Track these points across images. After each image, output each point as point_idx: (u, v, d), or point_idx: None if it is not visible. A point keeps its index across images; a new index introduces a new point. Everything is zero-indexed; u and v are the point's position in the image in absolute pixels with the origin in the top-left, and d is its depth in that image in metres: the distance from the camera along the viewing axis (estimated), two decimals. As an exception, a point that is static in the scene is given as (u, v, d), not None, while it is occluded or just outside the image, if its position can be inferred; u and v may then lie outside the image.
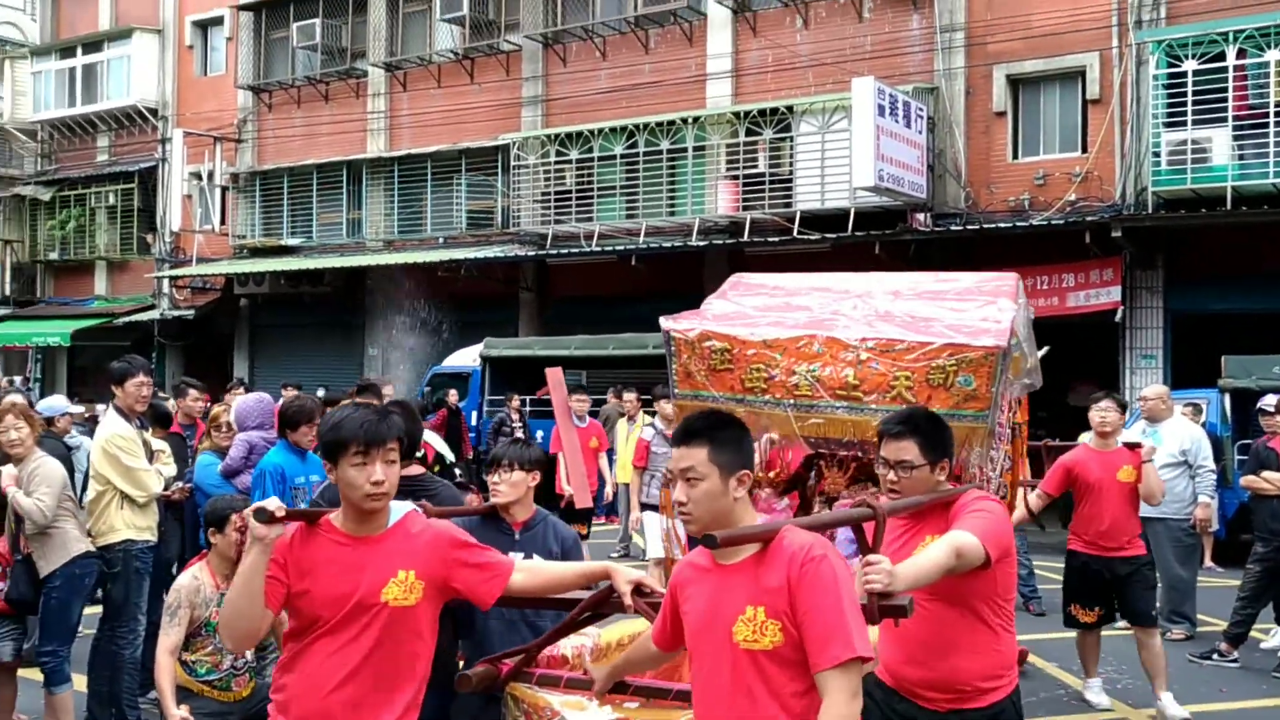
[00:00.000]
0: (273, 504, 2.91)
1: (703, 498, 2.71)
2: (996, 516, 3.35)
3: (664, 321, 4.86)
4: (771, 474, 5.10)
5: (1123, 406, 7.13)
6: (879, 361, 4.32)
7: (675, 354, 4.81)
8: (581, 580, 3.34)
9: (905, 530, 3.53)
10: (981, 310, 4.61)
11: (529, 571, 3.28)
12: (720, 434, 2.75)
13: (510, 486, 4.25)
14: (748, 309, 4.99)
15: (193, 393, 8.52)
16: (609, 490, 12.11)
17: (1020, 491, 6.47)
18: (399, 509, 3.14)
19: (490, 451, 7.21)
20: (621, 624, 4.19)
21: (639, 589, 3.16)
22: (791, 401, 4.51)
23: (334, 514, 3.11)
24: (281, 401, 6.91)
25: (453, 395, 16.14)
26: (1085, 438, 7.75)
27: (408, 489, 4.52)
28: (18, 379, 24.85)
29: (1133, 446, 6.81)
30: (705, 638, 2.72)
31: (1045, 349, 6.78)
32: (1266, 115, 13.43)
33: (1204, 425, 10.57)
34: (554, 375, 5.37)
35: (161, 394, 11.86)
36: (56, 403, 9.66)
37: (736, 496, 2.73)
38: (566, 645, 3.54)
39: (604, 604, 3.26)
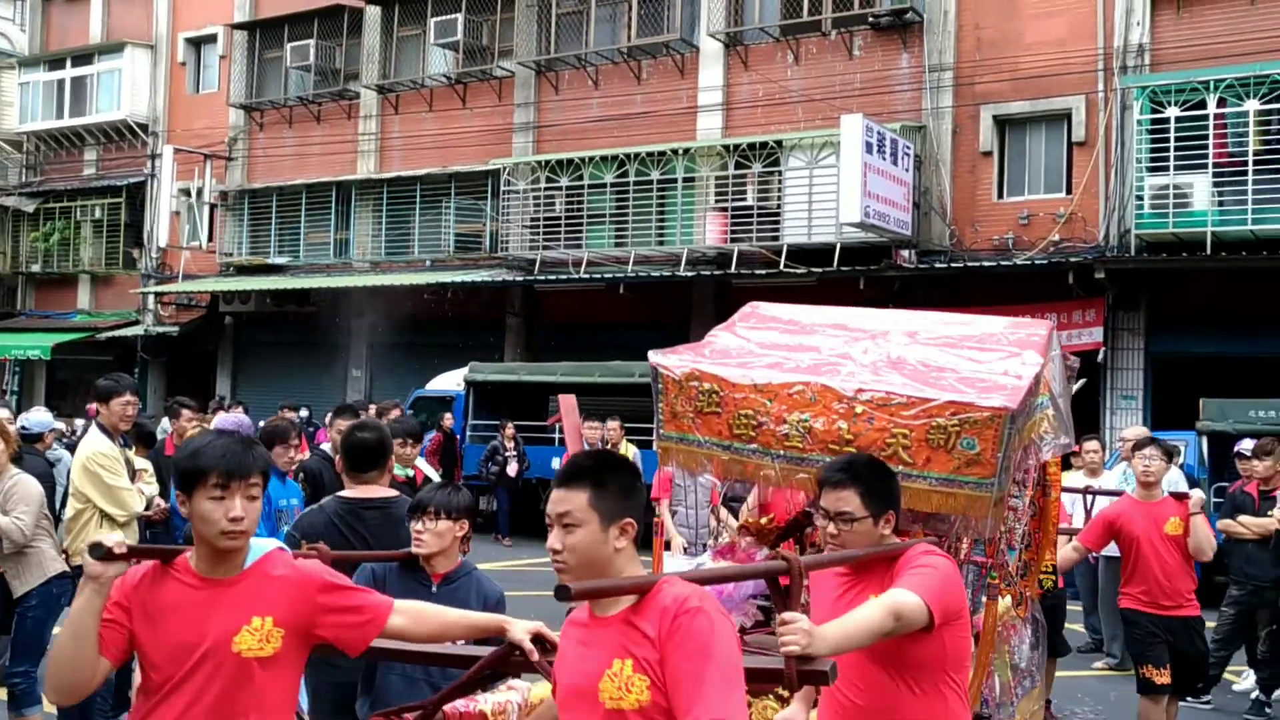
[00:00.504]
0: (111, 539, 2.66)
1: (579, 546, 2.47)
2: (943, 574, 3.10)
3: (653, 356, 4.56)
4: (764, 520, 4.83)
5: (1169, 454, 6.73)
6: (875, 416, 3.97)
7: (663, 392, 4.49)
8: (471, 631, 2.99)
9: (847, 587, 3.29)
10: (1004, 363, 4.24)
11: (411, 615, 2.93)
12: (605, 478, 2.52)
13: (434, 536, 3.90)
14: (753, 345, 4.71)
15: (186, 412, 8.45)
16: None
17: (1056, 544, 5.95)
18: (260, 548, 2.85)
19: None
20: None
21: (541, 642, 2.81)
22: (781, 453, 4.17)
23: (189, 552, 2.81)
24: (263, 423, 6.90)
25: (448, 419, 16.11)
26: (1071, 478, 7.85)
27: (378, 507, 4.52)
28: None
29: (1180, 497, 6.49)
30: (572, 697, 2.48)
31: (1082, 381, 6.47)
32: (1245, 163, 13.65)
33: (1182, 467, 10.66)
34: (566, 401, 5.20)
35: (145, 413, 11.85)
36: (41, 417, 9.51)
37: (618, 547, 2.49)
38: (488, 701, 3.14)
39: (505, 662, 2.89)
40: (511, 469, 15.31)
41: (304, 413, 17.37)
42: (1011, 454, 3.86)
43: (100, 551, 2.58)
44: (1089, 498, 7.83)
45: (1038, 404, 4.33)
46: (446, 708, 3.05)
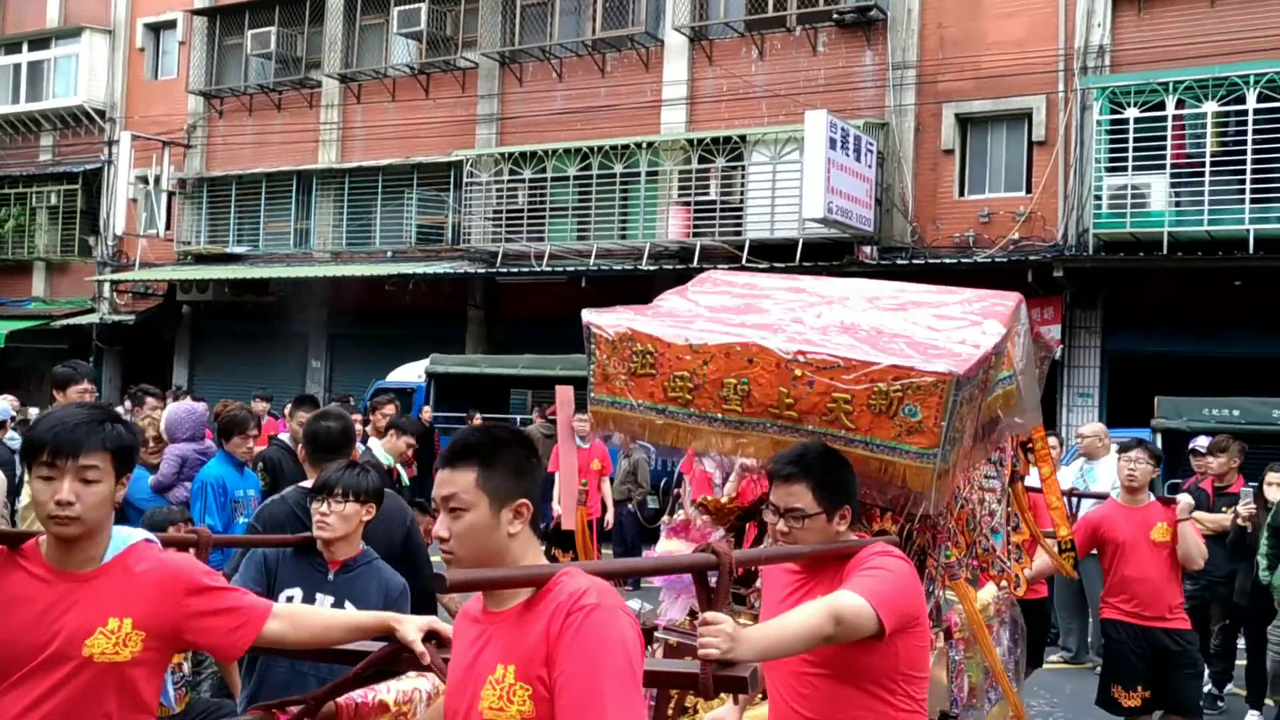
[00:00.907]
0: None
1: (467, 532, 2.18)
2: (897, 576, 2.85)
3: (586, 315, 4.27)
4: (725, 499, 4.57)
5: (1156, 459, 6.34)
6: (816, 380, 3.72)
7: (594, 353, 4.20)
8: (355, 633, 2.64)
9: (796, 587, 3.04)
10: (961, 331, 3.98)
11: (290, 620, 2.66)
12: (495, 455, 2.22)
13: (339, 519, 3.67)
14: (702, 309, 4.42)
15: (150, 400, 8.25)
16: (609, 517, 11.74)
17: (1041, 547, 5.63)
18: (124, 539, 2.58)
19: None
20: None
21: (436, 639, 2.51)
22: (718, 416, 3.91)
23: (42, 537, 2.55)
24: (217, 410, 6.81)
25: (426, 412, 15.92)
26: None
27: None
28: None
29: (1167, 502, 6.14)
30: (457, 696, 2.19)
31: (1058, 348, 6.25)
32: (1203, 164, 13.83)
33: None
34: (563, 393, 5.00)
35: (101, 401, 11.63)
36: (1, 405, 9.25)
37: (511, 532, 2.20)
38: (391, 690, 2.86)
39: (395, 660, 2.58)
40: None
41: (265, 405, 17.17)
42: (957, 424, 3.60)
43: None
44: (1073, 500, 7.46)
45: (1000, 378, 4.09)
46: (342, 699, 2.79)
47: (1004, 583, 4.89)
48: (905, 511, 3.81)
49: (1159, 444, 12.08)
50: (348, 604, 3.60)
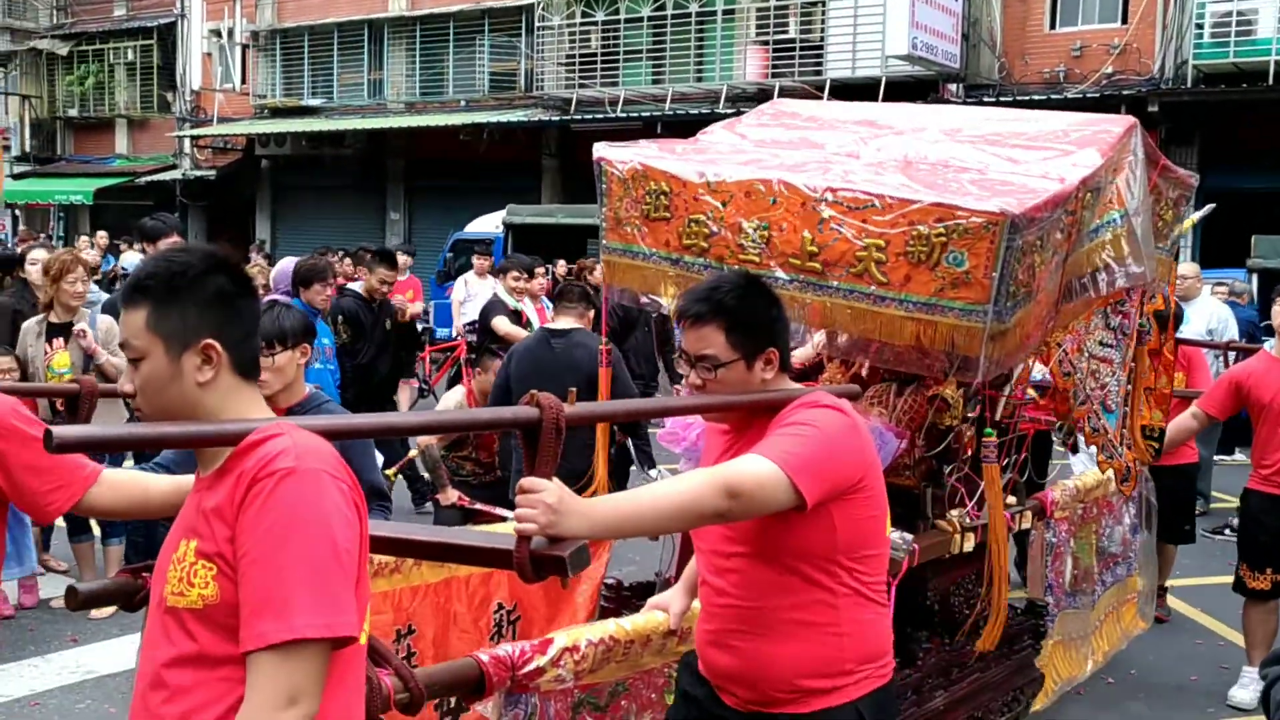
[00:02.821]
0: None
1: (146, 384, 1.80)
2: (824, 434, 2.30)
3: (598, 148, 3.79)
4: None
5: None
6: (846, 223, 3.15)
7: (606, 193, 3.70)
8: (177, 496, 2.23)
9: (725, 449, 2.54)
10: (1047, 164, 3.37)
11: (114, 486, 2.40)
12: (172, 289, 1.80)
13: (274, 374, 3.36)
14: (748, 143, 3.87)
15: (255, 257, 8.55)
16: None
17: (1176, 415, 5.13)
18: None
19: None
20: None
21: None
22: (734, 267, 3.33)
23: None
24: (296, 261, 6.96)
25: (561, 265, 15.10)
26: None
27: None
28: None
29: None
30: (155, 585, 1.83)
31: (1211, 206, 5.48)
32: (1317, -14, 13.01)
33: (1236, 302, 10.49)
34: None
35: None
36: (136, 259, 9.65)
37: (201, 380, 1.79)
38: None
39: None
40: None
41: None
42: (1020, 275, 3.09)
43: None
44: (1229, 354, 6.93)
45: (1106, 221, 3.53)
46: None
47: (1108, 472, 4.39)
48: (955, 382, 3.35)
49: (1256, 285, 11.76)
50: None
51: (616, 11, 18.02)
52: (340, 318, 7.09)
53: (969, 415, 3.64)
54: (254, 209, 24.81)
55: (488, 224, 17.67)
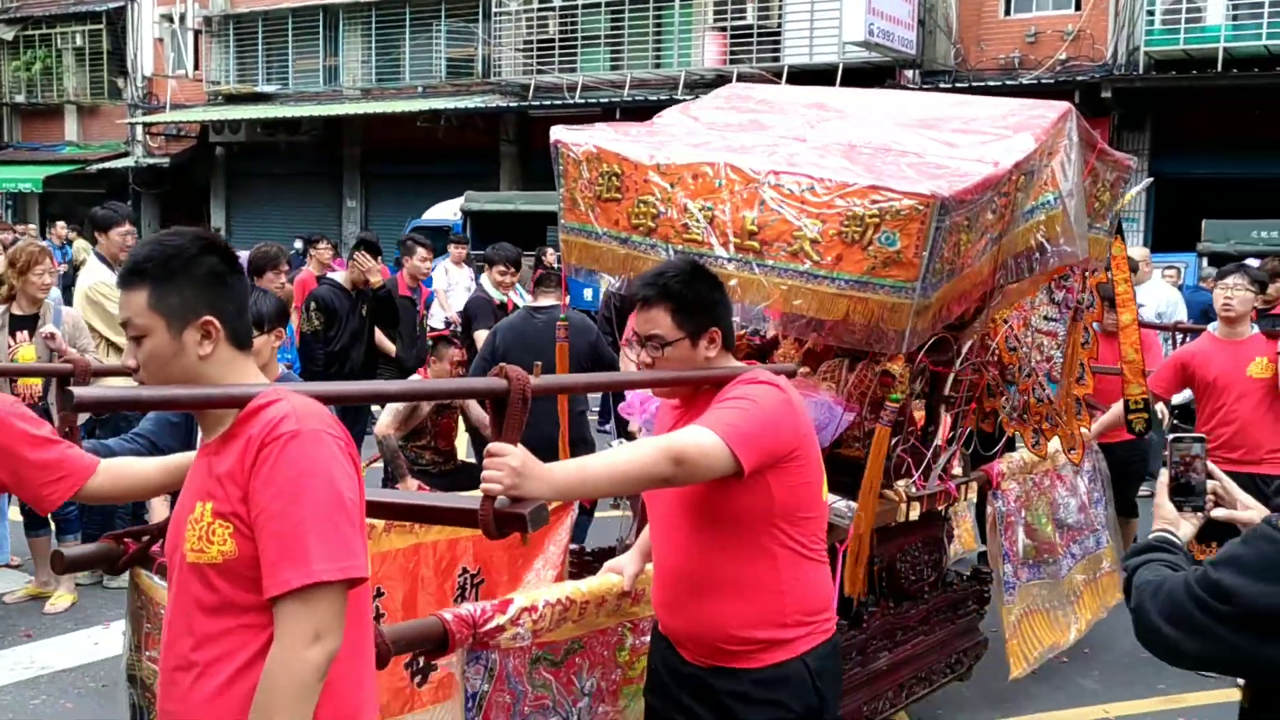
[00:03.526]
0: None
1: (148, 360, 1.95)
2: (760, 406, 2.48)
3: (555, 131, 3.90)
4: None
5: (1260, 283, 5.76)
6: (786, 205, 3.29)
7: (563, 174, 3.81)
8: (169, 476, 2.54)
9: (675, 421, 2.72)
10: (983, 148, 3.52)
11: (112, 475, 2.55)
12: (169, 269, 1.94)
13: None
14: (700, 126, 3.98)
15: None
16: None
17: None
18: None
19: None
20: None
21: None
22: (679, 247, 3.48)
23: None
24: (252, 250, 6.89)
25: (550, 254, 15.05)
26: None
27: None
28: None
29: (1271, 334, 5.46)
30: (170, 545, 2.00)
31: (1148, 181, 5.82)
32: (1265, -26, 13.20)
33: (1181, 289, 10.68)
34: None
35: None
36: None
37: (202, 353, 1.94)
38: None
39: None
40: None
41: (298, 244, 17.25)
42: (947, 254, 3.24)
43: None
44: (1177, 336, 7.12)
45: (1041, 203, 3.68)
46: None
47: (1054, 439, 4.56)
48: (902, 359, 3.44)
49: (1204, 267, 11.95)
50: None
51: (574, -3, 17.97)
52: (314, 304, 7.07)
53: (914, 390, 3.77)
54: (208, 197, 24.53)
55: (445, 211, 17.57)
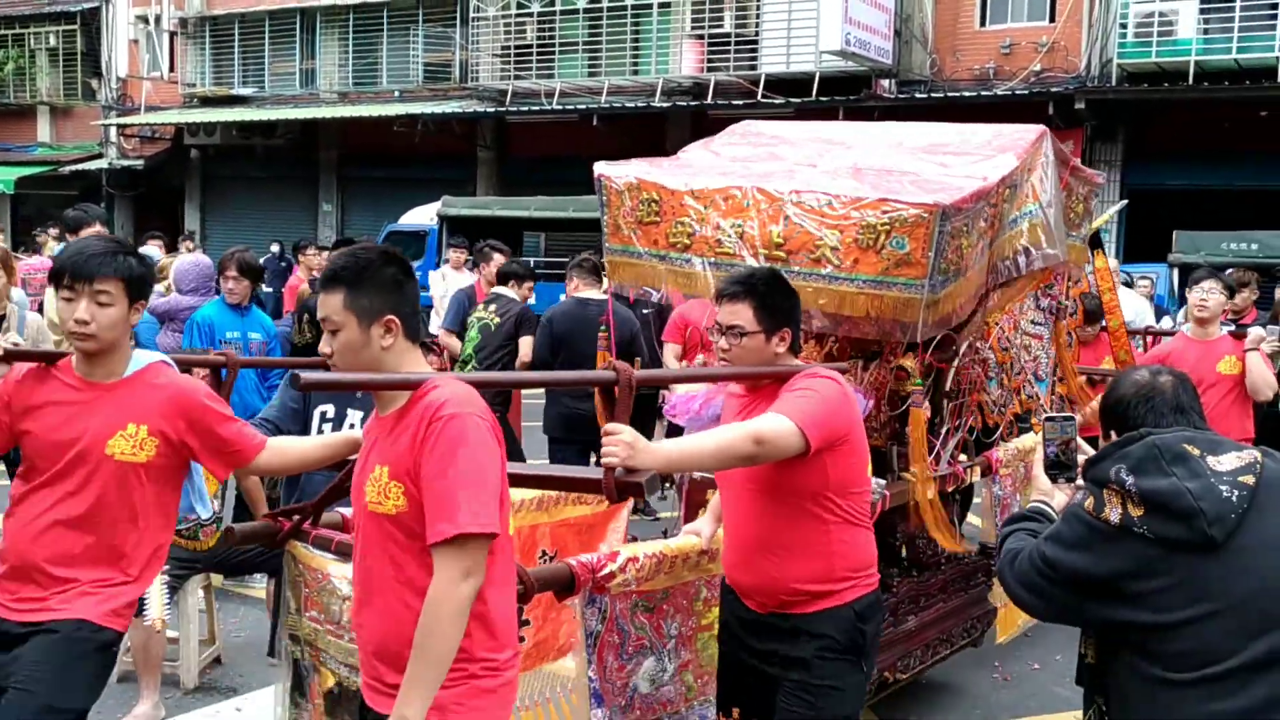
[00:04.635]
0: None
1: (342, 350, 2.40)
2: (822, 396, 2.91)
3: (598, 167, 4.45)
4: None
5: (1230, 289, 6.20)
6: (807, 218, 3.84)
7: (606, 204, 4.41)
8: (324, 451, 3.09)
9: (741, 408, 3.16)
10: (972, 166, 4.04)
11: (277, 451, 3.09)
12: (360, 277, 2.39)
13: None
14: (723, 160, 4.53)
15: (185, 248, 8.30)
16: None
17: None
18: (143, 358, 2.98)
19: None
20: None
21: None
22: (713, 260, 4.04)
23: (73, 355, 2.96)
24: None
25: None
26: None
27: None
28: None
29: (1238, 335, 5.92)
30: (355, 494, 2.48)
31: (1122, 203, 6.18)
32: (1235, -12, 13.36)
33: (1152, 299, 10.80)
34: None
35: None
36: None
37: (384, 345, 2.40)
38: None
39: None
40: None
41: (275, 248, 17.19)
42: (950, 255, 3.73)
43: None
44: (1148, 339, 7.44)
45: (1024, 212, 4.17)
46: (348, 512, 3.12)
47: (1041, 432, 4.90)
48: (895, 343, 3.98)
49: (1176, 279, 12.09)
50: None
51: (552, 3, 17.97)
52: (305, 316, 6.85)
53: (923, 384, 4.19)
54: (183, 199, 24.37)
55: (422, 216, 17.54)
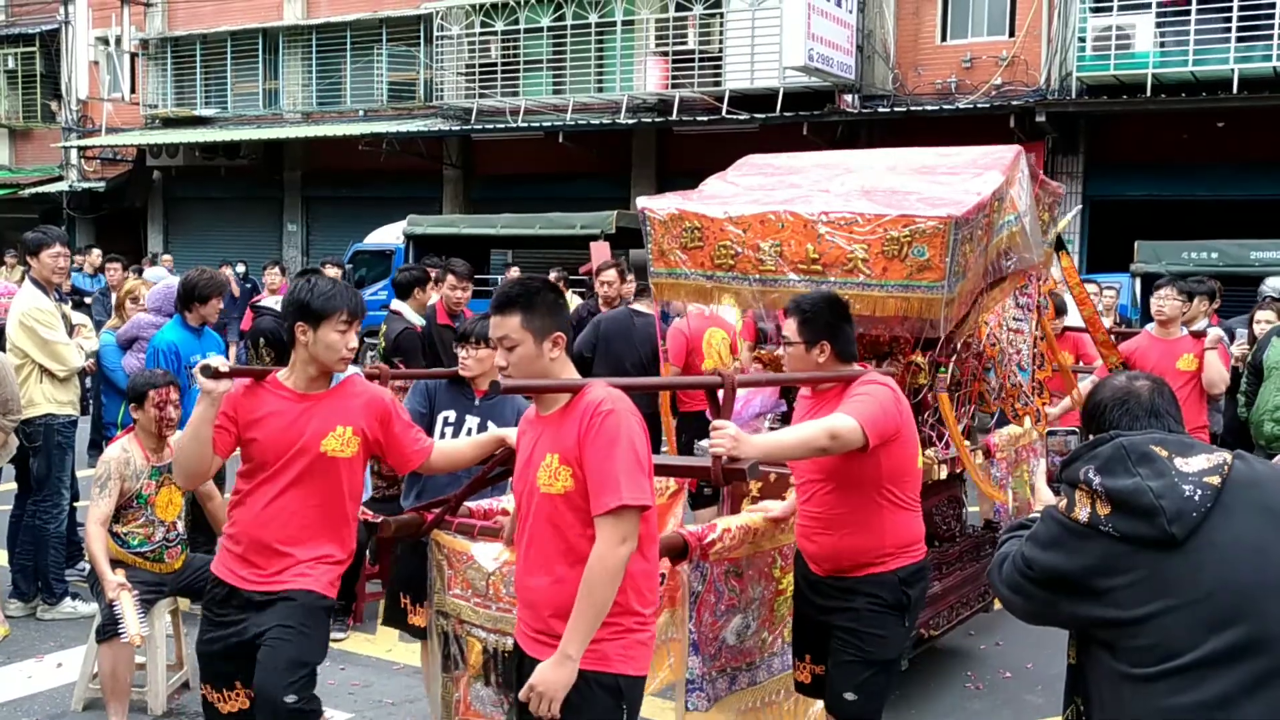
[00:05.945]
0: (218, 361, 3.32)
1: (519, 361, 2.90)
2: (879, 400, 3.48)
3: (641, 201, 5.11)
4: (779, 351, 5.08)
5: (1188, 295, 6.89)
6: (838, 235, 4.47)
7: (650, 234, 5.07)
8: (477, 450, 3.70)
9: (810, 407, 3.74)
10: (967, 183, 4.65)
11: (442, 454, 3.69)
12: (533, 301, 2.91)
13: (477, 362, 4.58)
14: (742, 188, 5.16)
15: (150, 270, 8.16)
16: None
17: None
18: (341, 374, 3.56)
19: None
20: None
21: None
22: (756, 276, 4.72)
23: (280, 372, 3.50)
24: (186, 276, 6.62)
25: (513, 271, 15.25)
26: None
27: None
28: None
29: (1198, 335, 6.60)
30: (522, 479, 3.00)
31: (1076, 209, 6.59)
32: (1188, 2, 13.55)
33: (1115, 309, 10.89)
34: (598, 250, 5.79)
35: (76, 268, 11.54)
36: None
37: (552, 357, 2.92)
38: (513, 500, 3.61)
39: (510, 463, 3.52)
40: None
41: (240, 268, 17.04)
42: (961, 260, 4.33)
43: (210, 372, 3.24)
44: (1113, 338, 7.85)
45: (1006, 220, 4.74)
46: (473, 504, 3.95)
47: (1026, 417, 5.66)
48: (904, 343, 4.71)
49: (1138, 288, 12.21)
50: (489, 424, 4.46)
51: (516, 21, 17.98)
52: (262, 340, 6.70)
53: (944, 373, 4.84)
54: (145, 221, 24.15)
55: (388, 235, 17.47)
